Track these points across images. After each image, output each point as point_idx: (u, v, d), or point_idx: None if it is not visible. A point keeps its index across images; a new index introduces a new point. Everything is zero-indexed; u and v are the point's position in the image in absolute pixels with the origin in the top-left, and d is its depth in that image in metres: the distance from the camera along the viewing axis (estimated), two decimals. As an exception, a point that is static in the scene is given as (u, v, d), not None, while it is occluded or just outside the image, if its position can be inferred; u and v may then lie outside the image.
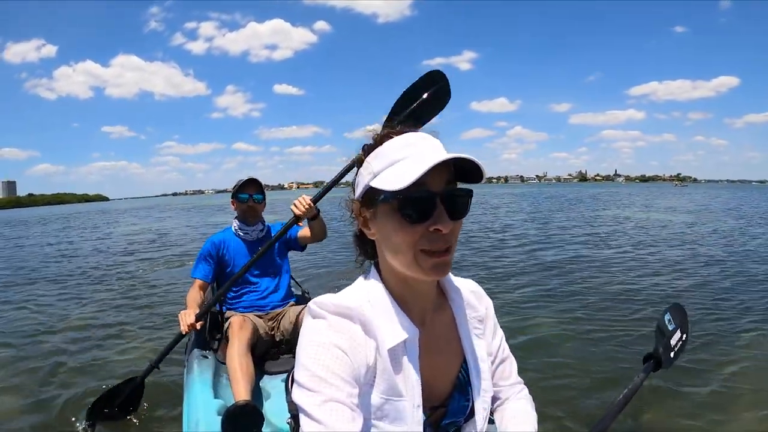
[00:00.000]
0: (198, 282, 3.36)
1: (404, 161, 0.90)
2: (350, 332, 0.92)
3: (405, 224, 0.89)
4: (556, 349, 4.73)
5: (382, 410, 0.92)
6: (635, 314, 5.91)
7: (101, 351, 5.31)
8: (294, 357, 1.99)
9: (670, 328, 1.79)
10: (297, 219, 3.08)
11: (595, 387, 3.88)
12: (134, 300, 7.76)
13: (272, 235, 3.48)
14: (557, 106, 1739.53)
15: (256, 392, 2.76)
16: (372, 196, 0.95)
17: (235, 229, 3.50)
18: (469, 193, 0.93)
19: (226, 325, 3.15)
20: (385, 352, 0.93)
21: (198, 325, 3.04)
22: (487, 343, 1.14)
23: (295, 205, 3.01)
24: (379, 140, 0.98)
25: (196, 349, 3.11)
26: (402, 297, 0.99)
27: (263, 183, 3.56)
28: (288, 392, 1.26)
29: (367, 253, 1.08)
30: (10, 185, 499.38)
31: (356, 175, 1.03)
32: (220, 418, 2.33)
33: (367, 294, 0.99)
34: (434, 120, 2.78)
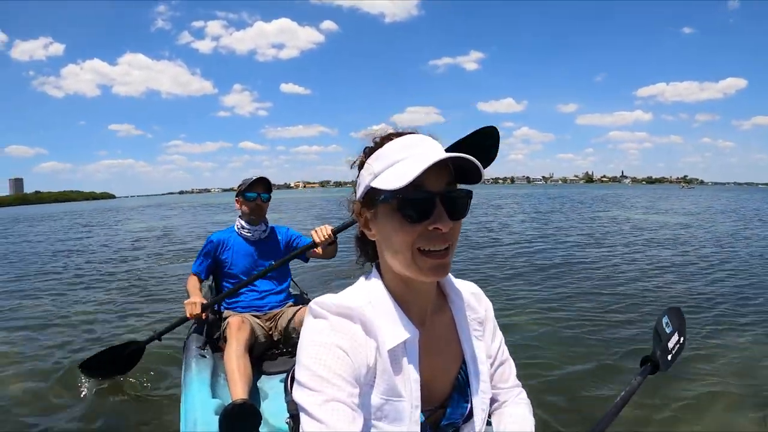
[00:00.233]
0: (194, 275, 3.43)
1: (404, 162, 0.91)
2: (351, 332, 0.93)
3: (404, 224, 0.91)
4: (552, 351, 4.73)
5: (381, 411, 0.93)
6: (632, 316, 5.93)
7: (109, 336, 5.72)
8: (292, 357, 1.95)
9: (668, 331, 1.78)
10: (314, 245, 3.16)
11: (592, 389, 3.89)
12: (141, 290, 8.10)
13: (276, 236, 3.60)
14: (564, 107, 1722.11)
15: (254, 392, 2.78)
16: (372, 196, 0.96)
17: (238, 228, 3.52)
18: (469, 194, 0.95)
19: (224, 325, 3.15)
20: (385, 353, 0.94)
21: (203, 315, 3.19)
22: (487, 345, 1.15)
23: (317, 233, 3.11)
24: (380, 142, 1.00)
25: (194, 349, 3.12)
26: (402, 298, 1.01)
27: (271, 182, 3.61)
28: (287, 392, 1.29)
29: (368, 254, 1.10)
30: (17, 182, 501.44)
31: (357, 176, 1.04)
32: (218, 417, 2.35)
33: (368, 295, 1.01)
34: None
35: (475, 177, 0.93)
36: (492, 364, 1.18)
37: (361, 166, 1.02)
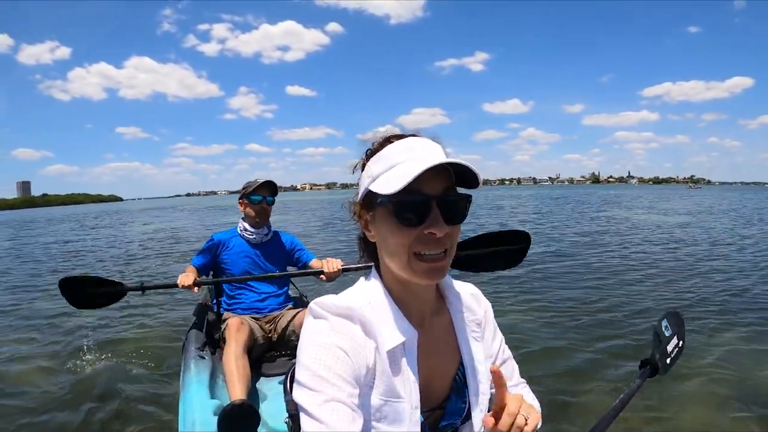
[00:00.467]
0: (192, 268, 3.41)
1: (401, 165, 0.91)
2: (351, 333, 0.93)
3: (400, 227, 0.91)
4: (549, 353, 4.74)
5: (381, 411, 0.94)
6: (631, 317, 5.93)
7: (115, 328, 6.12)
8: (290, 359, 1.94)
9: (667, 334, 1.79)
10: (321, 273, 3.25)
11: (590, 392, 3.88)
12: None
13: (279, 241, 3.63)
14: (570, 107, 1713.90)
15: (253, 393, 2.79)
16: (371, 199, 0.97)
17: (241, 231, 3.53)
18: (468, 198, 0.95)
19: (223, 326, 3.16)
20: (384, 354, 0.95)
21: (195, 289, 3.24)
22: (487, 345, 1.15)
23: (327, 264, 3.24)
24: (380, 144, 1.00)
25: (193, 350, 3.12)
26: (401, 299, 1.01)
27: (278, 184, 3.61)
28: (286, 392, 1.29)
29: (370, 255, 1.08)
30: (25, 185, 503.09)
31: (359, 178, 1.04)
32: (216, 417, 2.36)
33: (368, 296, 1.01)
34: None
35: (474, 182, 0.94)
36: (494, 363, 1.17)
37: (363, 168, 1.03)
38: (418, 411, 0.97)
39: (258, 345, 3.18)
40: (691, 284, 7.88)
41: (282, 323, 3.32)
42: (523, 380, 1.27)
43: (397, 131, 1.02)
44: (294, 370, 1.28)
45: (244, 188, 3.52)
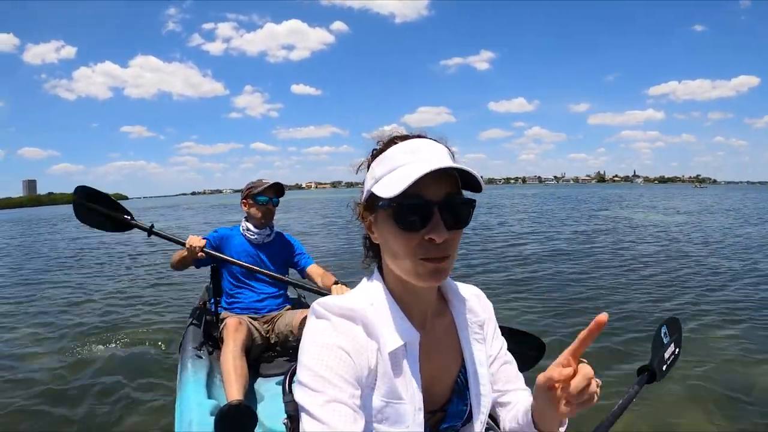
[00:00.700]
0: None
1: (403, 168, 0.89)
2: (353, 334, 0.93)
3: (401, 231, 0.90)
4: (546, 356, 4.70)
5: (382, 413, 0.93)
6: (626, 320, 5.86)
7: (122, 321, 6.36)
8: (288, 360, 1.91)
9: (666, 341, 1.80)
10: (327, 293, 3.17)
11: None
12: (156, 282, 8.72)
13: (281, 242, 3.60)
14: (576, 107, 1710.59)
15: (250, 394, 2.79)
16: (373, 201, 0.96)
17: (243, 230, 3.50)
18: (471, 203, 0.93)
19: (221, 325, 3.15)
20: (386, 355, 0.94)
21: (200, 254, 3.25)
22: (488, 347, 1.14)
23: (335, 289, 3.14)
24: (385, 145, 0.99)
25: (190, 349, 3.11)
26: (403, 300, 1.00)
27: (277, 182, 3.54)
28: (285, 393, 1.30)
29: (375, 255, 1.08)
30: (31, 184, 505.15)
31: (364, 178, 1.03)
32: (213, 418, 2.35)
33: (370, 297, 1.00)
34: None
35: (477, 186, 0.92)
36: (493, 364, 1.17)
37: (368, 168, 1.02)
38: (422, 413, 0.96)
39: (256, 345, 3.18)
40: (686, 285, 7.85)
41: (280, 324, 3.31)
42: (527, 388, 1.21)
43: (403, 131, 1.02)
44: (293, 370, 1.32)
45: (248, 188, 3.49)
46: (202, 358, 3.05)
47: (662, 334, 1.83)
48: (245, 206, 3.51)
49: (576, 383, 0.83)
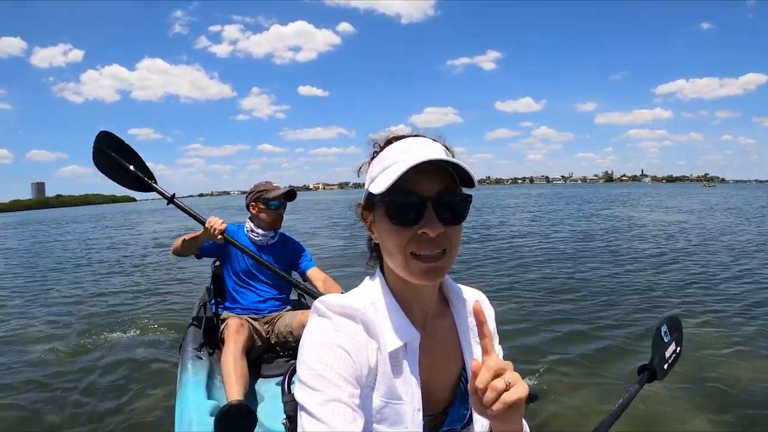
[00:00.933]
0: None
1: (395, 165, 0.90)
2: (353, 333, 0.92)
3: (395, 227, 0.90)
4: (545, 357, 4.65)
5: (382, 413, 0.93)
6: (623, 319, 5.83)
7: (131, 314, 6.62)
8: (289, 361, 1.94)
9: (666, 340, 1.79)
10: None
11: (588, 397, 3.82)
12: (165, 278, 8.82)
13: (285, 244, 3.59)
14: (583, 106, 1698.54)
15: (250, 394, 2.78)
16: (371, 200, 0.97)
17: (248, 231, 3.48)
18: (466, 199, 0.93)
19: (222, 326, 3.14)
20: (386, 355, 0.94)
21: (219, 237, 3.13)
22: None
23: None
24: (382, 146, 1.00)
25: (191, 350, 3.11)
26: (404, 300, 1.00)
27: (289, 184, 3.55)
28: (284, 393, 1.30)
29: (378, 255, 1.07)
30: (39, 187, 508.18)
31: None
32: (213, 418, 2.35)
33: (371, 296, 1.00)
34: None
35: (469, 182, 0.93)
36: None
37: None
38: (421, 413, 0.96)
39: (256, 346, 3.17)
40: (686, 284, 7.83)
41: (280, 324, 3.30)
42: None
43: (410, 131, 1.03)
44: (291, 371, 1.34)
45: (257, 191, 3.46)
46: (202, 358, 3.06)
47: (662, 333, 1.80)
48: (254, 209, 3.46)
49: (480, 377, 0.78)
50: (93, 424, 3.62)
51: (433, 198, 0.89)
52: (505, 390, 0.76)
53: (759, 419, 3.50)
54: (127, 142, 3.44)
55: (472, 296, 1.14)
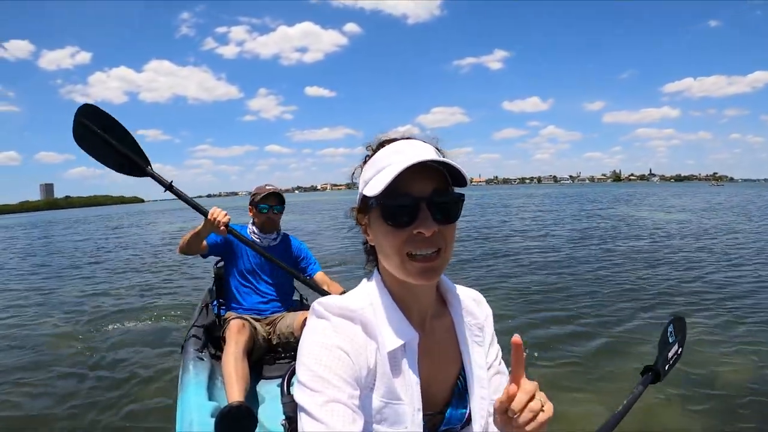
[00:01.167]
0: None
1: (388, 168, 0.90)
2: (352, 334, 0.93)
3: (390, 228, 0.91)
4: (546, 356, 4.64)
5: (381, 414, 0.93)
6: (631, 320, 5.77)
7: (128, 320, 6.53)
8: (290, 362, 2.02)
9: (671, 340, 1.79)
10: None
11: (591, 398, 3.81)
12: (159, 283, 8.83)
13: (288, 245, 3.60)
14: (590, 105, 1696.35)
15: (252, 396, 2.78)
16: (366, 203, 0.97)
17: (250, 232, 3.49)
18: (459, 198, 0.94)
19: (224, 327, 3.13)
20: (384, 355, 0.94)
21: (222, 228, 2.98)
22: (486, 352, 1.12)
23: None
24: (375, 149, 1.01)
25: (192, 350, 3.10)
26: (402, 300, 1.00)
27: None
28: (283, 394, 1.30)
29: (375, 258, 1.07)
30: (48, 188, 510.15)
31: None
32: (214, 419, 2.34)
33: (369, 297, 1.01)
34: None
35: (462, 181, 0.94)
36: (488, 371, 1.13)
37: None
38: (420, 413, 0.96)
39: (258, 347, 3.16)
40: (688, 283, 7.79)
41: (282, 325, 3.30)
42: None
43: (417, 131, 1.03)
44: (290, 372, 1.37)
45: (253, 194, 3.52)
46: (203, 359, 3.05)
47: (668, 334, 1.82)
48: (251, 212, 3.52)
49: (518, 400, 0.82)
50: (94, 423, 3.67)
51: (426, 198, 0.90)
52: (541, 410, 0.83)
53: (760, 419, 3.47)
54: (115, 117, 3.02)
55: (469, 296, 1.15)
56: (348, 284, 2.73)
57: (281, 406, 1.28)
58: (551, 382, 4.03)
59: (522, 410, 0.81)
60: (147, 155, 3.10)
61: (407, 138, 1.00)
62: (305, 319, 1.21)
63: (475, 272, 9.20)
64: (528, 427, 0.81)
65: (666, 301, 6.66)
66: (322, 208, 41.95)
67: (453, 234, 0.95)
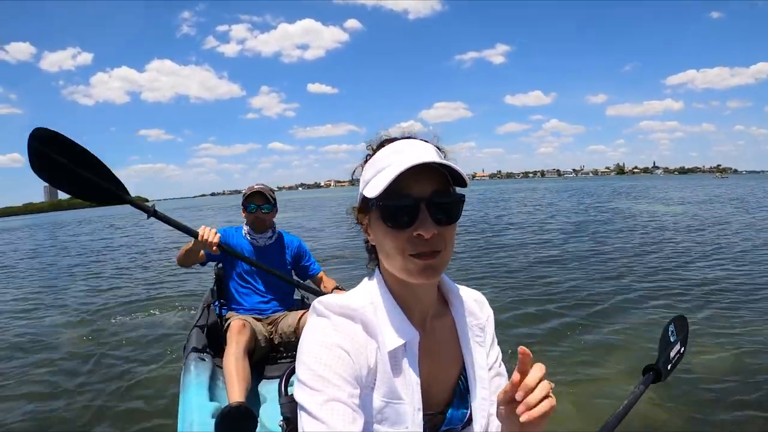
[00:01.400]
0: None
1: (388, 169, 0.90)
2: (352, 333, 0.93)
3: (390, 230, 0.91)
4: (548, 355, 4.56)
5: (382, 413, 0.92)
6: (630, 317, 5.68)
7: (130, 320, 6.66)
8: (291, 362, 1.91)
9: (672, 339, 1.78)
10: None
11: (590, 398, 3.76)
12: (161, 284, 9.15)
13: (283, 243, 3.56)
14: (593, 98, 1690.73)
15: (253, 395, 2.78)
16: (366, 203, 0.97)
17: (245, 233, 3.48)
18: (460, 199, 0.93)
19: (225, 326, 3.12)
20: (385, 354, 0.94)
21: (215, 248, 2.97)
22: (487, 352, 1.12)
23: None
24: (375, 149, 1.00)
25: (193, 351, 3.09)
26: (402, 300, 1.00)
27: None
28: (281, 395, 1.31)
29: (376, 256, 1.06)
30: (52, 190, 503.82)
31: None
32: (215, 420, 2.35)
33: (370, 296, 1.00)
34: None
35: (462, 181, 0.92)
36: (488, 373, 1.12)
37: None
38: (421, 413, 0.96)
39: (260, 347, 3.15)
40: (687, 277, 7.70)
41: (283, 325, 3.29)
42: None
43: (420, 127, 1.00)
44: (289, 372, 1.38)
45: (244, 192, 3.51)
46: (205, 360, 3.04)
47: (669, 333, 1.80)
48: (243, 213, 3.49)
49: (527, 381, 0.81)
50: (96, 422, 3.68)
51: (426, 199, 0.89)
52: (550, 393, 0.82)
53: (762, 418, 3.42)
54: (78, 142, 2.73)
55: (470, 296, 1.14)
56: (350, 283, 2.58)
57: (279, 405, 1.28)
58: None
59: (534, 387, 0.81)
60: (121, 181, 2.88)
61: (407, 137, 1.00)
62: (306, 318, 1.21)
63: (467, 266, 9.30)
64: (540, 407, 0.80)
65: (665, 296, 6.59)
66: (324, 205, 42.20)
67: (453, 234, 0.95)
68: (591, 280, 7.73)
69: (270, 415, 2.61)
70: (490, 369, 1.11)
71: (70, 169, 2.68)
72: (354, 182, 1.06)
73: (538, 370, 0.82)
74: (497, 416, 0.91)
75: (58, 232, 32.80)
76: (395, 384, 0.94)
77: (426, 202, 0.89)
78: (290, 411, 1.23)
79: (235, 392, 2.56)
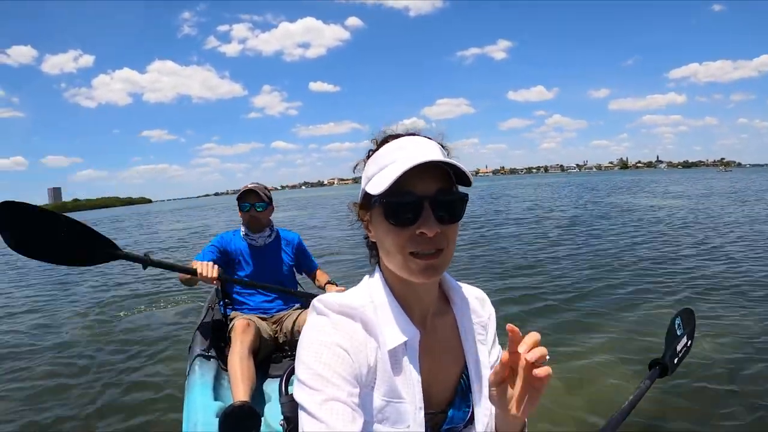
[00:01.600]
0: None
1: (392, 165, 0.89)
2: (352, 332, 0.92)
3: (393, 227, 0.90)
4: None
5: (383, 413, 0.92)
6: (634, 311, 5.59)
7: (134, 320, 6.67)
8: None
9: (679, 333, 1.76)
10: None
11: (595, 393, 3.72)
12: (165, 283, 9.02)
13: (281, 239, 3.57)
14: (596, 93, 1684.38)
15: (257, 395, 2.78)
16: (368, 200, 0.96)
17: (243, 236, 3.48)
18: (463, 198, 0.93)
19: (230, 326, 3.13)
20: (385, 353, 0.94)
21: (215, 282, 3.04)
22: (488, 351, 1.11)
23: None
24: (378, 145, 1.00)
25: (198, 351, 3.11)
26: (403, 298, 0.99)
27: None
28: (281, 394, 1.32)
29: (376, 254, 1.05)
30: (56, 192, 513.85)
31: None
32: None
33: (371, 294, 1.00)
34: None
35: (465, 179, 0.92)
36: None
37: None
38: (422, 412, 0.95)
39: (264, 346, 3.14)
40: (695, 272, 7.54)
41: (288, 324, 3.29)
42: None
43: (423, 124, 1.01)
44: (289, 372, 1.38)
45: (238, 193, 3.50)
46: (210, 359, 3.05)
47: (676, 326, 1.78)
48: (239, 213, 3.47)
49: (525, 340, 0.80)
50: (100, 421, 3.68)
51: (430, 197, 0.89)
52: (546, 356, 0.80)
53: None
54: (40, 207, 2.67)
55: (472, 295, 1.14)
56: (349, 280, 2.79)
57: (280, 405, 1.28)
58: (551, 377, 3.87)
59: (533, 345, 0.79)
60: (107, 237, 2.79)
61: (411, 134, 1.00)
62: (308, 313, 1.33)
63: (465, 261, 9.31)
64: (539, 371, 0.79)
65: (670, 288, 6.53)
66: (326, 204, 42.13)
67: (455, 233, 0.95)
68: (594, 273, 7.70)
69: (274, 414, 2.61)
70: (491, 368, 1.09)
71: (54, 239, 2.64)
72: (357, 180, 1.06)
73: (533, 335, 0.81)
74: (489, 399, 0.91)
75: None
76: (396, 383, 0.94)
77: (429, 200, 0.88)
78: (290, 410, 1.23)
79: (239, 391, 2.57)
